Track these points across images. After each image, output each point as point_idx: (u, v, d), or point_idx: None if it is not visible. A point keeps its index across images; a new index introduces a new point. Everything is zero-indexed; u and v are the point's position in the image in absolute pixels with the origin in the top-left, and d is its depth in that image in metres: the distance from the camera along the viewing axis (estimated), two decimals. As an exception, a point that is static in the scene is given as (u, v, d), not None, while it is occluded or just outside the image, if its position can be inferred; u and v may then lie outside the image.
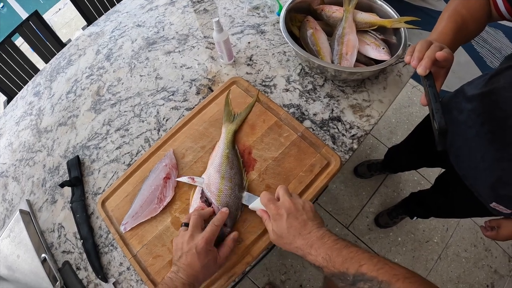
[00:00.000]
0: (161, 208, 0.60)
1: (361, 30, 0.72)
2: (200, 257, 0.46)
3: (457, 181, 0.67)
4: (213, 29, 0.86)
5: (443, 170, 0.85)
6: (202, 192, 0.57)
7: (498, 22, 0.55)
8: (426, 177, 1.39)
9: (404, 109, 1.57)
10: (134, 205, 0.61)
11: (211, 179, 0.57)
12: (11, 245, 0.69)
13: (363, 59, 0.71)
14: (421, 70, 0.42)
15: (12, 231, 0.70)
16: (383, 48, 0.68)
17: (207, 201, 0.56)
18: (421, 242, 1.28)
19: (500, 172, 0.55)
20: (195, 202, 0.57)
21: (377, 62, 0.69)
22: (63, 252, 0.65)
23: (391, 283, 0.33)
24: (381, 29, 0.71)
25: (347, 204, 1.36)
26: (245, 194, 0.56)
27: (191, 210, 0.56)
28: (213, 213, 0.54)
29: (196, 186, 0.59)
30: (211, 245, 0.48)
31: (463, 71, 1.57)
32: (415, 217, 1.21)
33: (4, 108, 0.99)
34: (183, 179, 0.60)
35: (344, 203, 1.36)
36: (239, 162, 0.60)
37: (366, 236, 1.29)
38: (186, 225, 0.50)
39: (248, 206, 0.55)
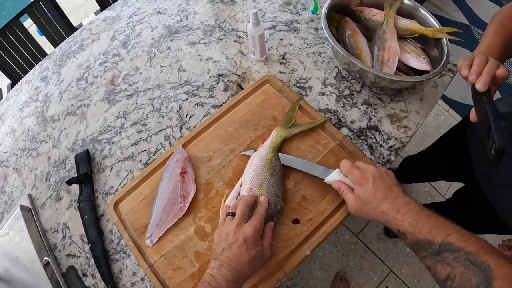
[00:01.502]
0: (187, 206, 0.55)
1: (401, 37, 0.68)
2: (248, 247, 0.42)
3: (480, 197, 0.66)
4: (242, 21, 0.81)
5: (458, 183, 0.84)
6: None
7: None
8: (437, 188, 1.37)
9: (417, 119, 1.55)
10: (154, 213, 0.55)
11: (249, 184, 0.52)
12: (10, 244, 0.62)
13: (402, 68, 0.67)
14: (480, 86, 0.40)
15: (11, 229, 0.63)
16: (424, 58, 0.65)
17: None
18: (429, 255, 1.26)
19: None
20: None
21: (416, 71, 0.65)
22: (68, 255, 0.59)
23: (479, 255, 0.33)
24: (420, 40, 0.68)
25: (357, 212, 1.33)
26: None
27: (221, 218, 0.51)
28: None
29: (227, 193, 0.55)
30: (259, 235, 0.45)
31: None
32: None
33: (8, 92, 0.91)
34: (249, 152, 0.58)
35: (354, 211, 1.33)
36: (281, 170, 0.54)
37: (375, 245, 1.27)
38: (233, 214, 0.47)
39: (323, 179, 0.52)
